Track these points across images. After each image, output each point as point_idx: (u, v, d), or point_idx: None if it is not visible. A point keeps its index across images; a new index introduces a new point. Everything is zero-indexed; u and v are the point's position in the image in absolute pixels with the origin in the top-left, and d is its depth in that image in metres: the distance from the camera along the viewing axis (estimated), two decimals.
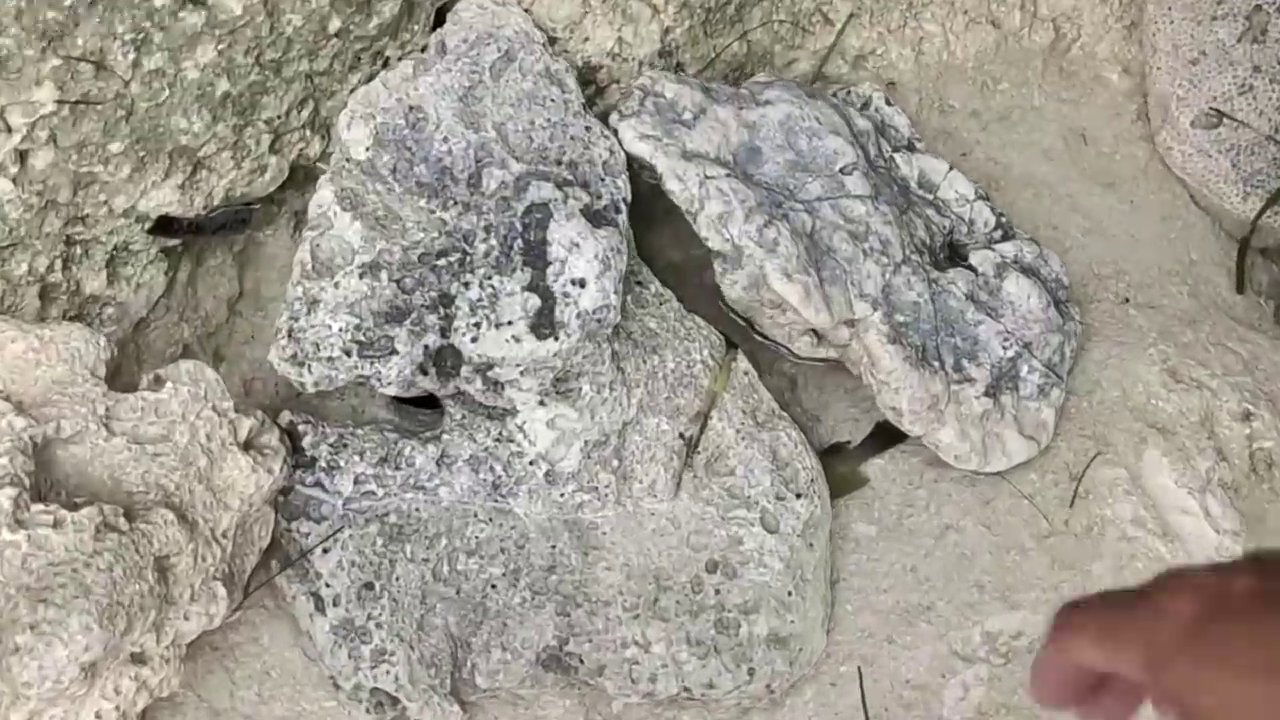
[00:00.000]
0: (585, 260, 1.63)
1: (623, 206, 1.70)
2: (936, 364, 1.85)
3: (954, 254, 2.00)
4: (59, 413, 1.49)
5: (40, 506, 1.40)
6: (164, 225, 1.68)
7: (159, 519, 1.47)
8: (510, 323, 1.63)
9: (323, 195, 1.68)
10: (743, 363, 1.84)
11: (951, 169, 2.06)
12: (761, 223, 1.76)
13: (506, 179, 1.67)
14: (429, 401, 1.81)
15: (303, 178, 1.87)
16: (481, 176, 1.67)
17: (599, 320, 1.64)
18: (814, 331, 1.85)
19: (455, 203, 1.66)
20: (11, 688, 1.36)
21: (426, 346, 1.63)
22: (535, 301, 1.63)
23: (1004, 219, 2.06)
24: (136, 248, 1.69)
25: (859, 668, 1.83)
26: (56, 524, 1.40)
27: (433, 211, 1.66)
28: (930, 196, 2.02)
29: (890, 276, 1.85)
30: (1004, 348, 1.91)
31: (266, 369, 1.84)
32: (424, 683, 1.70)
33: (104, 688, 1.45)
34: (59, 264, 1.62)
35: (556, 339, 1.63)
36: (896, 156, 2.02)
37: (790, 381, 1.99)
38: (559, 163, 1.70)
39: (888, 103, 2.09)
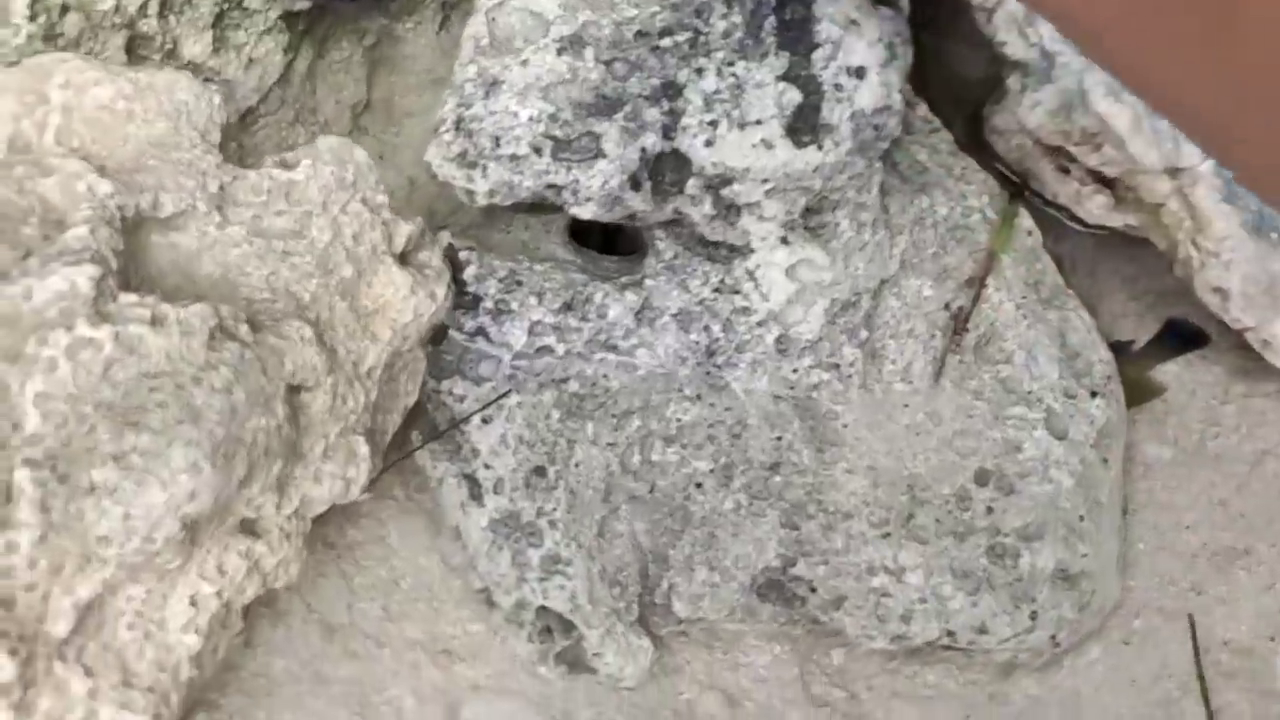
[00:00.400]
0: (866, 43, 1.22)
1: None
2: (1275, 236, 1.43)
3: None
4: (157, 183, 1.07)
5: (133, 297, 0.99)
6: None
7: (293, 333, 1.06)
8: (759, 122, 1.21)
9: None
10: (1026, 219, 1.42)
11: None
12: None
13: None
14: (614, 247, 1.38)
15: None
16: None
17: (877, 127, 1.23)
18: (1111, 190, 1.44)
19: None
20: (81, 545, 0.94)
21: (644, 150, 1.21)
22: (794, 96, 1.21)
23: None
24: (254, 5, 1.29)
25: (1190, 616, 1.41)
26: (155, 321, 0.98)
27: None
28: None
29: None
30: None
31: (400, 196, 1.43)
32: (606, 605, 1.28)
33: (203, 563, 1.03)
34: (155, 8, 1.21)
35: (820, 147, 1.22)
36: None
37: (1056, 262, 1.57)
38: None
39: None
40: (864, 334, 1.33)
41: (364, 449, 1.11)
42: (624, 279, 1.31)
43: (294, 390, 1.06)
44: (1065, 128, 1.37)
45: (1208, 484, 1.50)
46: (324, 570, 1.28)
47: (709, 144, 1.21)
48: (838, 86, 1.21)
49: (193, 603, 1.02)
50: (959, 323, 1.36)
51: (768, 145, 1.21)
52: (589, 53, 1.21)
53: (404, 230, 1.18)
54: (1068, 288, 1.45)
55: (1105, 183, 1.44)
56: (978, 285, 1.37)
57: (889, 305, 1.34)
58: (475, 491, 1.27)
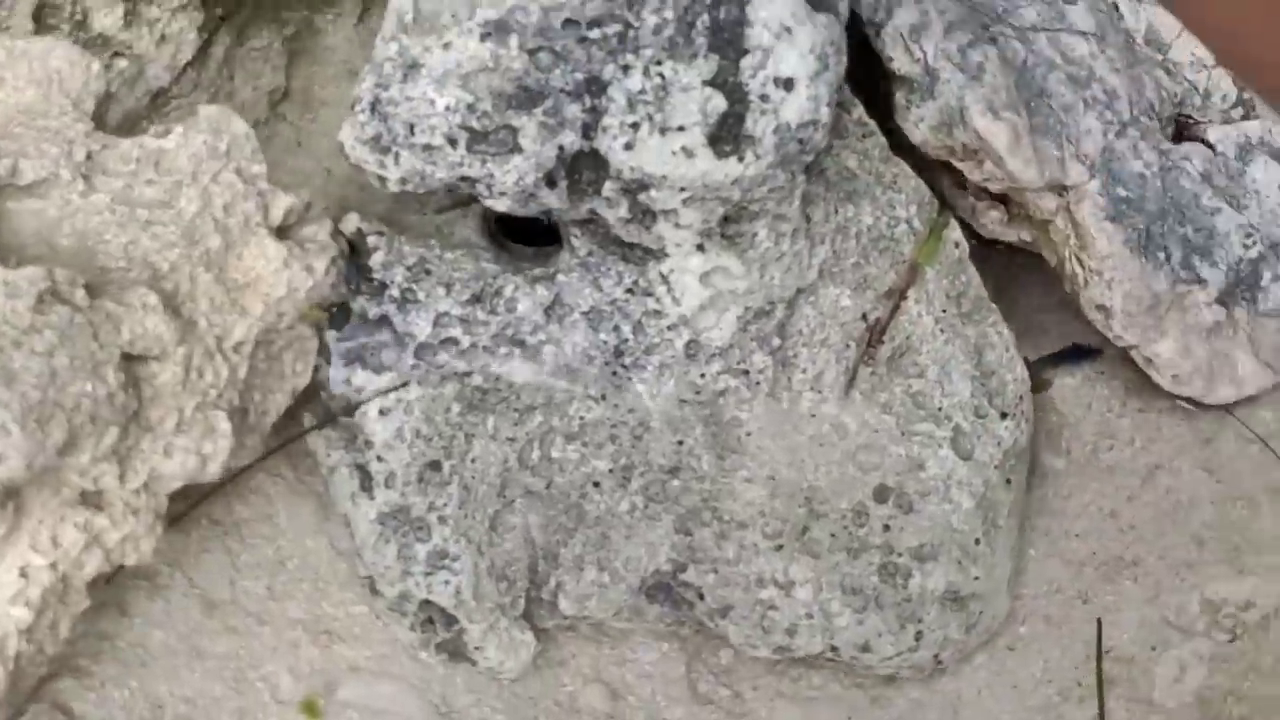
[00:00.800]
0: (798, 53, 1.01)
1: None
2: (1161, 256, 1.28)
3: (1180, 131, 1.41)
4: (19, 150, 0.89)
5: None
6: None
7: (135, 301, 0.89)
8: (682, 128, 1.01)
9: None
10: (955, 231, 1.23)
11: (1183, 30, 1.46)
12: (965, 42, 1.22)
13: None
14: (535, 236, 1.18)
15: None
16: None
17: (802, 141, 1.03)
18: (1006, 202, 1.26)
19: None
20: None
21: (561, 148, 1.02)
22: (719, 103, 1.01)
23: (1246, 95, 1.46)
24: None
25: (1099, 620, 1.28)
26: None
27: None
28: (1159, 57, 1.42)
29: (1114, 138, 1.27)
30: (1245, 245, 1.34)
31: (315, 182, 1.28)
32: (491, 600, 1.11)
33: (35, 534, 0.87)
34: None
35: (742, 159, 1.02)
36: (1121, 4, 1.43)
37: None
38: None
39: None
40: (776, 341, 1.15)
41: (224, 425, 0.95)
42: (537, 271, 1.12)
43: (135, 359, 0.90)
44: (948, 143, 1.22)
45: (1099, 495, 1.36)
46: (209, 546, 1.11)
47: (628, 147, 1.02)
48: (764, 98, 1.01)
49: (23, 574, 0.87)
50: (874, 334, 1.18)
51: (688, 154, 1.01)
52: (513, 40, 1.01)
53: (283, 202, 1.01)
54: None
55: (999, 198, 1.27)
56: (897, 297, 1.19)
57: (804, 314, 1.16)
58: (366, 484, 1.09)
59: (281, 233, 1.01)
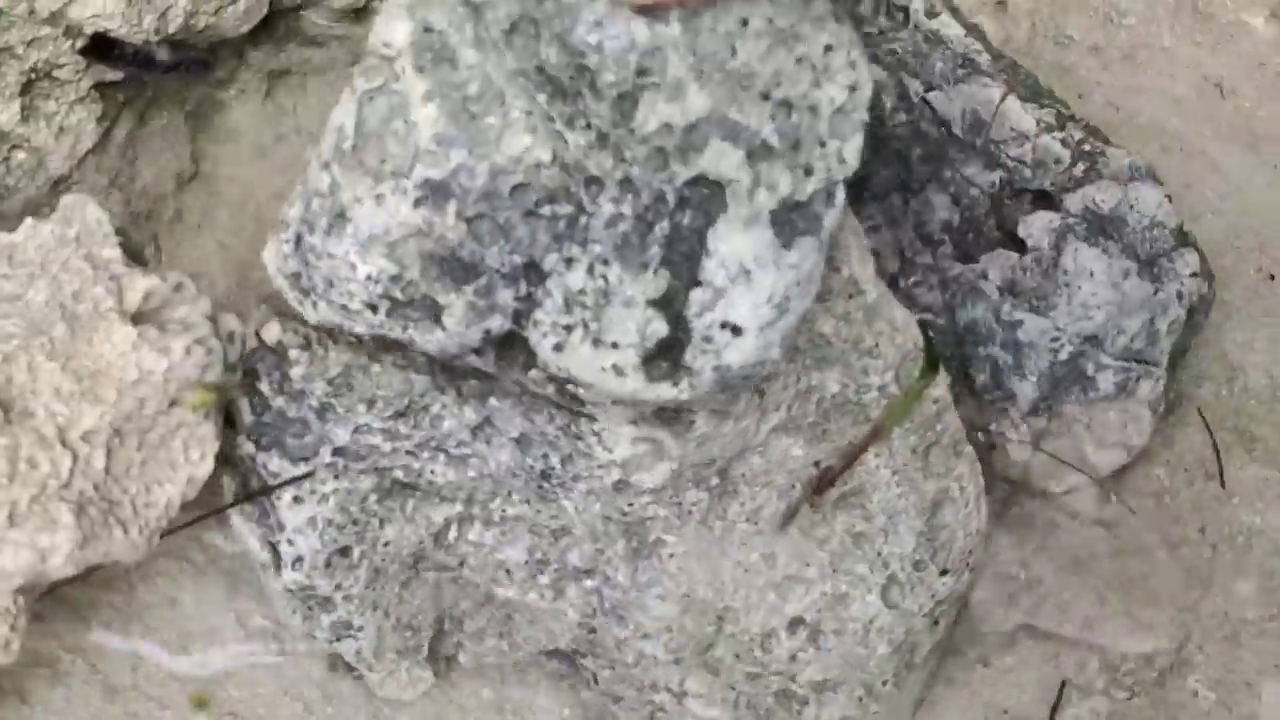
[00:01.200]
0: (753, 301, 0.89)
1: (839, 195, 0.92)
2: (962, 387, 1.28)
3: (1039, 199, 1.37)
4: None
5: None
6: (102, 48, 1.07)
7: None
8: (616, 345, 0.91)
9: (395, 30, 0.90)
10: (938, 388, 1.12)
11: (1005, 98, 1.37)
12: None
13: (675, 120, 0.88)
14: None
15: (283, 31, 1.23)
16: (639, 103, 0.87)
17: (745, 378, 0.92)
18: None
19: (588, 125, 0.87)
20: None
21: (488, 331, 0.91)
22: (660, 328, 0.90)
23: (1086, 146, 1.38)
24: (64, 75, 1.06)
25: (1063, 682, 1.31)
26: None
27: (551, 120, 0.86)
28: (978, 141, 1.36)
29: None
30: (1053, 349, 1.30)
31: (218, 263, 1.21)
32: (393, 649, 1.15)
33: None
34: None
35: (675, 385, 0.92)
36: (931, 97, 1.35)
37: None
38: (766, 97, 0.88)
39: (928, 15, 1.40)
40: (715, 480, 1.09)
41: (67, 517, 0.93)
42: (470, 383, 1.04)
43: None
44: None
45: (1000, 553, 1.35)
46: (112, 630, 1.11)
47: (558, 349, 0.93)
48: (708, 339, 0.91)
49: None
50: (823, 482, 1.10)
51: (618, 371, 0.93)
52: (452, 207, 0.90)
53: (140, 285, 0.97)
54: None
55: None
56: (855, 453, 1.08)
57: (750, 462, 1.09)
58: (276, 561, 1.09)
59: (143, 316, 0.97)
